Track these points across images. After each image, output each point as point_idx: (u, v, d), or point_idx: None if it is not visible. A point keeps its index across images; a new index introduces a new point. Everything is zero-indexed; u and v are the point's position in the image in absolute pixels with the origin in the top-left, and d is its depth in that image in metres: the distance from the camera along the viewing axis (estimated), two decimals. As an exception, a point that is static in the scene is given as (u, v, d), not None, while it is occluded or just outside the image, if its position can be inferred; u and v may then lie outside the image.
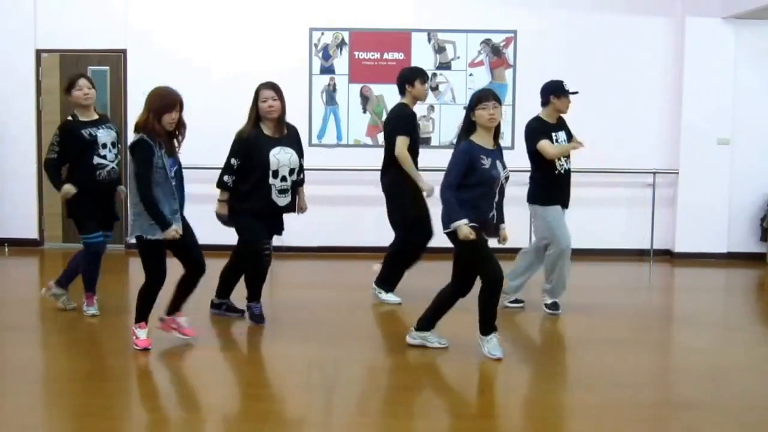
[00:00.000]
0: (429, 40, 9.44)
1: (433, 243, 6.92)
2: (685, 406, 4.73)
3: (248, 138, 6.02)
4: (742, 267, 9.15)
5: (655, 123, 9.47)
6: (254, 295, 6.26)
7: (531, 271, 6.82)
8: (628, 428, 4.44)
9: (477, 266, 5.35)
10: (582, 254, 8.88)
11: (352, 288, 7.64)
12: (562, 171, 6.49)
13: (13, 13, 9.45)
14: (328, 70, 9.44)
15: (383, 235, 9.23)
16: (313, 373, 5.37)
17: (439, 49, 9.45)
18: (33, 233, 9.68)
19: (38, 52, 9.50)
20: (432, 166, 8.32)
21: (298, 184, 6.20)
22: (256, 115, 6.11)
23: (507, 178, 5.43)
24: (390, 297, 6.98)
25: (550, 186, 6.48)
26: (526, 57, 9.40)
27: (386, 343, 6.00)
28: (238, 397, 4.93)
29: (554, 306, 6.69)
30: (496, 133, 5.41)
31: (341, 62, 9.44)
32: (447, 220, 5.28)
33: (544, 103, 6.54)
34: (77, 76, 6.36)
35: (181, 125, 5.45)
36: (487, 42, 9.44)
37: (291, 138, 6.18)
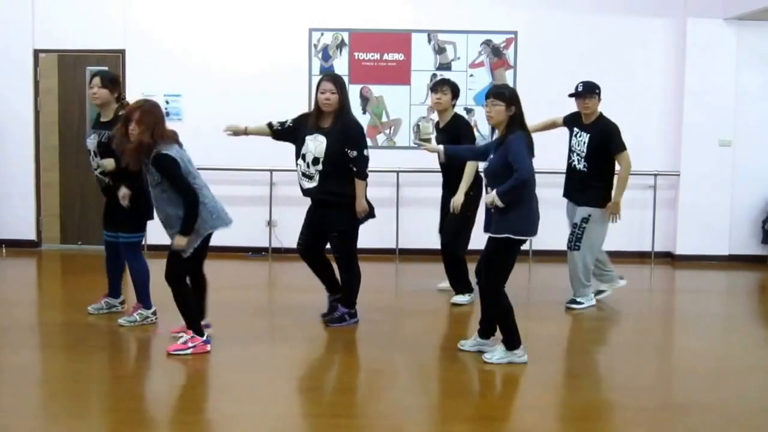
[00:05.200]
0: (429, 40, 9.40)
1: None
2: (687, 409, 4.69)
3: (301, 119, 6.21)
4: (743, 269, 9.11)
5: (656, 124, 9.43)
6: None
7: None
8: (629, 431, 4.40)
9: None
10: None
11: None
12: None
13: (11, 13, 9.40)
14: (327, 70, 9.38)
15: (384, 236, 9.25)
16: (317, 375, 5.34)
17: (440, 50, 9.41)
18: (31, 234, 9.64)
19: (36, 52, 9.46)
20: (433, 167, 8.29)
21: (327, 175, 6.01)
22: (316, 104, 6.12)
23: (487, 172, 5.33)
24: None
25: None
26: (526, 58, 9.37)
27: (395, 347, 5.97)
28: (232, 399, 4.89)
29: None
30: (510, 125, 5.24)
31: (341, 63, 9.40)
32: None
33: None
34: (93, 74, 6.30)
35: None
36: (487, 43, 9.41)
37: (336, 130, 5.98)
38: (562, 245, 9.02)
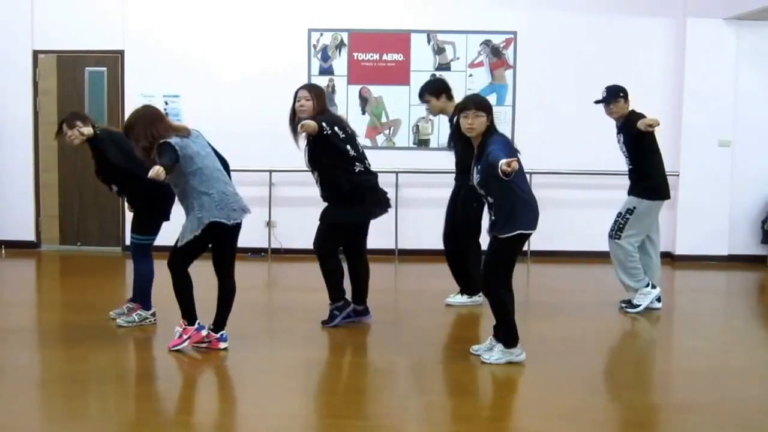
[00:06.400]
0: (428, 41, 9.40)
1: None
2: (686, 409, 4.68)
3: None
4: (743, 270, 9.11)
5: (655, 124, 9.41)
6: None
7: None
8: (627, 431, 4.40)
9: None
10: (582, 257, 8.85)
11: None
12: None
13: (10, 14, 9.40)
14: (326, 71, 9.39)
15: (383, 237, 9.23)
16: (315, 376, 5.34)
17: (439, 50, 9.41)
18: (30, 235, 9.63)
19: (35, 53, 9.45)
20: (432, 168, 8.30)
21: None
22: (292, 114, 6.20)
23: (479, 183, 5.26)
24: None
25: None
26: (526, 58, 9.36)
27: (394, 347, 5.97)
28: (232, 400, 4.89)
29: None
30: (485, 134, 5.17)
31: (340, 63, 9.39)
32: None
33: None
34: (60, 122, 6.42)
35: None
36: (487, 43, 9.40)
37: (311, 140, 6.10)
38: (561, 246, 9.02)
